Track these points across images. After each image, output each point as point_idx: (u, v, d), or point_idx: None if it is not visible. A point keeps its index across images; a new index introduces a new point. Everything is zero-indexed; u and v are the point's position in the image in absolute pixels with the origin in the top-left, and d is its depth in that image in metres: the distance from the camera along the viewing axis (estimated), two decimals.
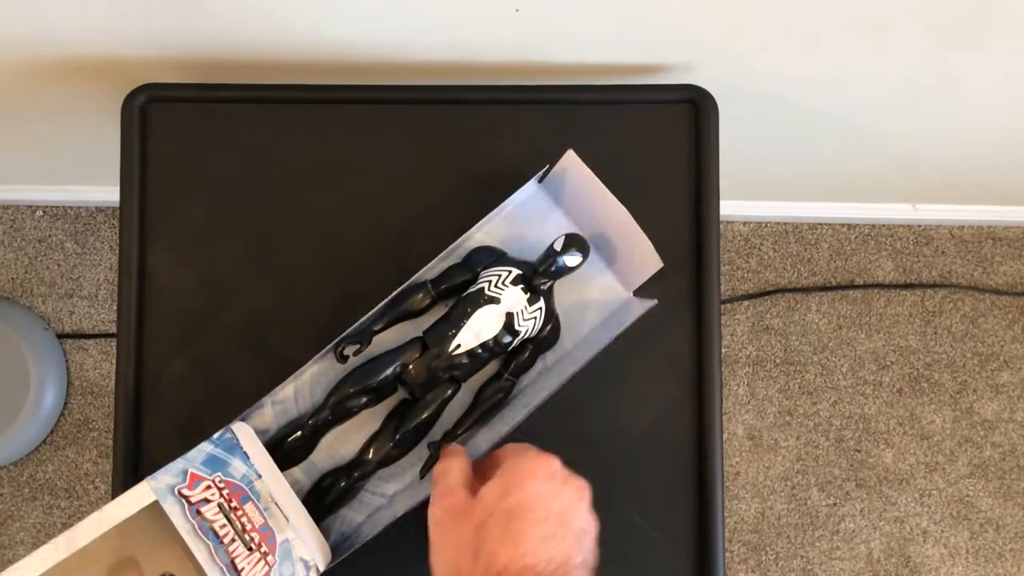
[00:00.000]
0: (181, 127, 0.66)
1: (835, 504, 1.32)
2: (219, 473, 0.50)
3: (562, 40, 0.69)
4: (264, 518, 0.50)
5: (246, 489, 0.50)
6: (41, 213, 1.34)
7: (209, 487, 0.49)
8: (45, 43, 0.71)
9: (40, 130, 0.96)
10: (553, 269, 0.57)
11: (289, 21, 0.66)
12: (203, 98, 0.68)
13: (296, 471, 0.59)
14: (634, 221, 0.58)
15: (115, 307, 0.66)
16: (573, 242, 0.57)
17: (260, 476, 0.51)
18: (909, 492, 1.32)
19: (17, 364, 1.26)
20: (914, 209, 1.30)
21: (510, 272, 0.57)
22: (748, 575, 1.32)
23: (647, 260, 0.59)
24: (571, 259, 0.57)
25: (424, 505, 0.49)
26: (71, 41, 0.70)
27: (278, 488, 0.52)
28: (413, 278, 0.59)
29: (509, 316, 0.56)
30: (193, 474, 0.49)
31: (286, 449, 0.58)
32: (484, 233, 0.62)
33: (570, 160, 0.59)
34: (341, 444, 0.60)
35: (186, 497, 0.48)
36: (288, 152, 0.66)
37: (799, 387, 1.33)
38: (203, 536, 0.48)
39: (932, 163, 1.03)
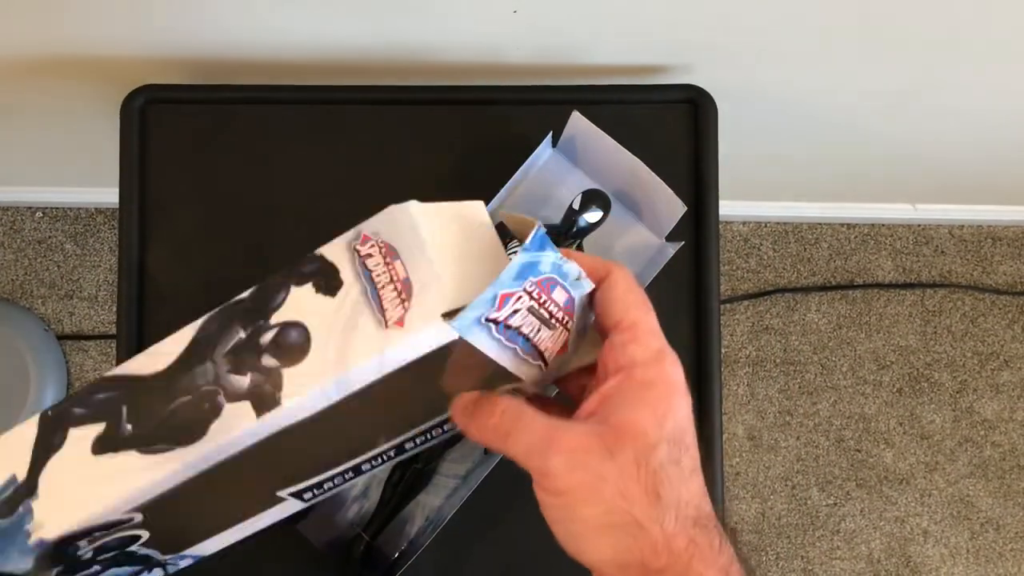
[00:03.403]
0: (180, 128, 0.66)
1: (835, 504, 1.32)
2: (529, 278, 0.39)
3: (560, 41, 0.69)
4: (569, 292, 0.40)
5: (555, 276, 0.40)
6: (41, 214, 1.34)
7: (520, 298, 0.39)
8: (44, 43, 0.71)
9: (40, 131, 0.96)
10: (575, 229, 0.58)
11: (289, 22, 0.66)
12: (202, 99, 0.68)
13: None
14: (650, 171, 0.59)
15: (115, 308, 0.66)
16: (591, 199, 0.58)
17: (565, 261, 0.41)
18: (909, 492, 1.32)
19: (17, 365, 1.26)
20: (914, 209, 1.30)
21: None
22: None
23: (671, 206, 0.60)
24: (591, 216, 0.58)
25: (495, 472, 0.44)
26: (71, 41, 0.70)
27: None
28: None
29: None
30: (503, 295, 0.38)
31: None
32: (508, 207, 0.64)
33: (577, 122, 0.60)
34: None
35: (494, 320, 0.38)
36: (287, 153, 0.66)
37: (799, 387, 1.33)
38: (509, 345, 0.38)
39: (932, 163, 1.03)
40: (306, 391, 0.37)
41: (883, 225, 1.35)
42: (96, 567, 0.42)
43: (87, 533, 0.39)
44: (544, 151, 0.64)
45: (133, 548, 0.42)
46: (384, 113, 0.67)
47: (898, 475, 1.32)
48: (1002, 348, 1.34)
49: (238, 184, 0.66)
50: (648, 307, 0.38)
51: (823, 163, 1.05)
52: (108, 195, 1.25)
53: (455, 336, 0.37)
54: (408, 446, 0.43)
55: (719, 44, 0.68)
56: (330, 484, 0.44)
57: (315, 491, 0.44)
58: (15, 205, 1.33)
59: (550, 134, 0.62)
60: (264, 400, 0.37)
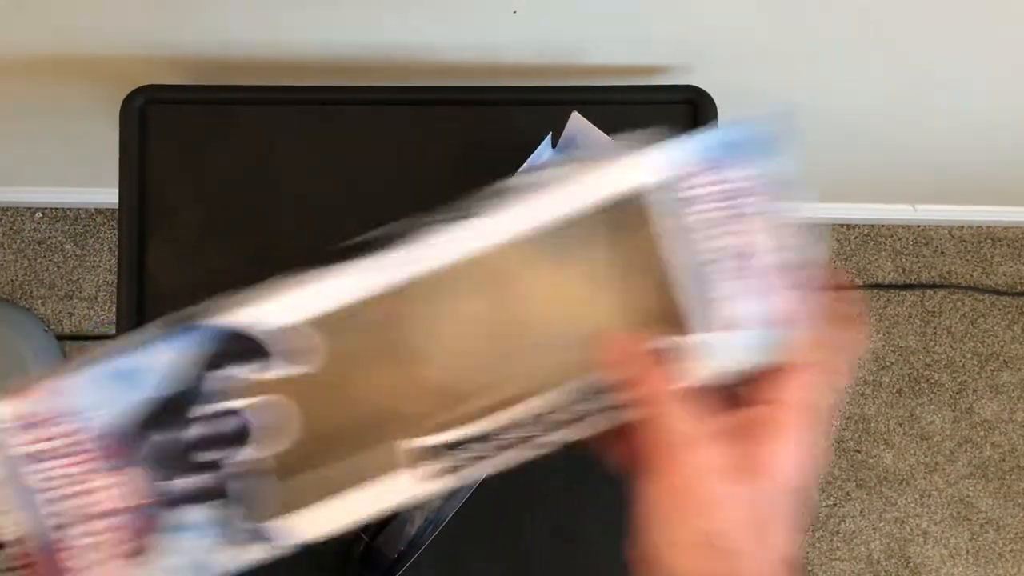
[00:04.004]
0: (180, 128, 0.66)
1: (835, 505, 1.32)
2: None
3: (560, 41, 0.69)
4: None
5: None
6: (40, 215, 1.34)
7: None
8: (44, 43, 0.71)
9: (40, 131, 0.96)
10: None
11: (288, 22, 0.66)
12: (202, 100, 0.68)
13: None
14: None
15: (115, 309, 0.66)
16: None
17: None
18: (909, 493, 1.32)
19: (17, 366, 1.26)
20: (913, 209, 1.30)
21: None
22: None
23: None
24: None
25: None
26: (71, 41, 0.70)
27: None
28: None
29: None
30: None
31: None
32: None
33: (577, 122, 0.60)
34: None
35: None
36: (287, 153, 0.66)
37: None
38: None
39: (932, 163, 1.03)
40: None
41: (883, 226, 1.35)
42: (188, 476, 0.36)
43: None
44: (544, 151, 0.64)
45: (243, 457, 0.36)
46: (384, 113, 0.67)
47: (898, 476, 1.32)
48: (1002, 349, 1.34)
49: (238, 184, 0.66)
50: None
51: (823, 163, 1.05)
52: (108, 195, 1.25)
53: None
54: (553, 417, 0.38)
55: (719, 44, 0.69)
56: (451, 460, 0.38)
57: (444, 457, 0.38)
58: (15, 205, 1.33)
59: (550, 134, 0.62)
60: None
